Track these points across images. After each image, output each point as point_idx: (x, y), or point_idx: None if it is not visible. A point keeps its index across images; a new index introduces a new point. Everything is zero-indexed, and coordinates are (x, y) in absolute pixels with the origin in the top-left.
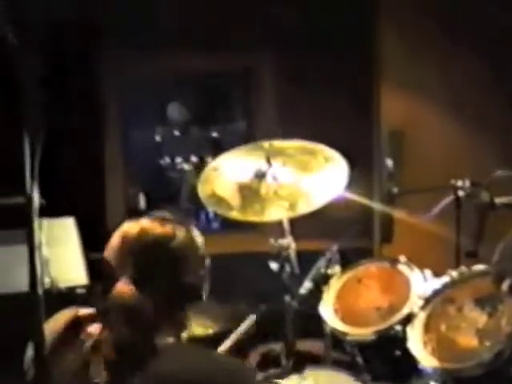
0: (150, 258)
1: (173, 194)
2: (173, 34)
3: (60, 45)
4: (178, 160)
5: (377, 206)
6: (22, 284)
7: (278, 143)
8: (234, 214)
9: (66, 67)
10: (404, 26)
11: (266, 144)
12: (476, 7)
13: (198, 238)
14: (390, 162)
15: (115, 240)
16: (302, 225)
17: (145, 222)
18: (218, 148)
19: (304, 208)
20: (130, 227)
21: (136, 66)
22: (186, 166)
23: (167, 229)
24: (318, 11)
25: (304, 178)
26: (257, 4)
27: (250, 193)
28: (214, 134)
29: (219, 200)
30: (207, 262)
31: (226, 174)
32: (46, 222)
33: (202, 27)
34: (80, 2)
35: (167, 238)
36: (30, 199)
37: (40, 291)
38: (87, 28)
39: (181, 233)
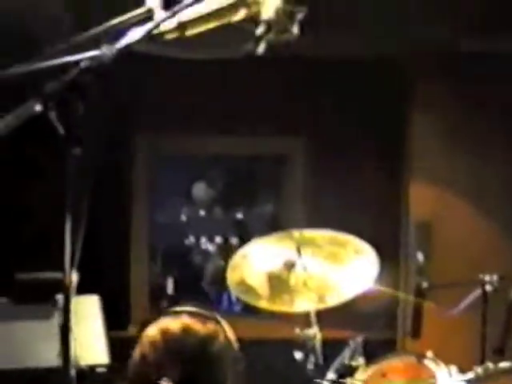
0: (196, 361)
1: (196, 275)
2: (205, 117)
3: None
4: (203, 240)
5: (403, 298)
6: (50, 359)
7: (308, 233)
8: (263, 304)
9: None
10: (437, 121)
11: (296, 233)
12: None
13: (233, 336)
14: (420, 256)
15: (155, 335)
16: (327, 314)
17: (186, 319)
18: (242, 230)
19: (333, 300)
20: (171, 324)
21: (166, 146)
22: (211, 247)
23: (209, 328)
24: (350, 101)
25: (333, 269)
26: (290, 91)
27: (279, 282)
28: (239, 216)
29: (248, 288)
30: (242, 361)
31: (256, 261)
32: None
33: (233, 112)
34: (115, 83)
35: (211, 339)
36: (69, 277)
37: (72, 369)
38: (121, 107)
39: (221, 333)
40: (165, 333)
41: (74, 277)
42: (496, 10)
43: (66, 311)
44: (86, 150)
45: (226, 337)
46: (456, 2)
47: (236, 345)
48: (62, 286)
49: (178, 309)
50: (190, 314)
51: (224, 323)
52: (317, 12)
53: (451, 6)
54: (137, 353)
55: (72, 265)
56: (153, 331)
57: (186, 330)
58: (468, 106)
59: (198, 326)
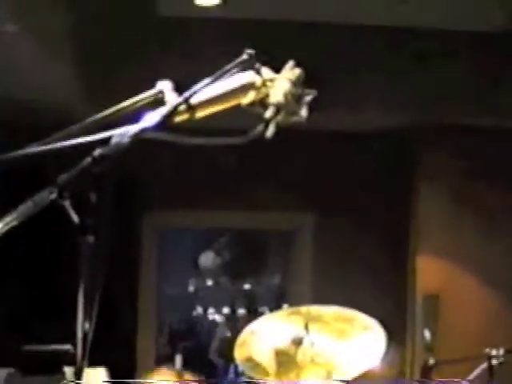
0: None
1: (204, 346)
2: (213, 191)
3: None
4: (210, 311)
5: (409, 374)
6: None
7: (316, 309)
8: (270, 380)
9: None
10: (443, 194)
11: (303, 309)
12: None
13: None
14: (427, 333)
15: None
16: None
17: None
18: (250, 301)
19: (341, 377)
20: None
21: (173, 219)
22: (218, 318)
23: None
24: (358, 177)
25: (341, 345)
26: (299, 167)
27: (286, 358)
28: (247, 286)
29: (256, 365)
30: None
31: (264, 338)
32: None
33: (242, 187)
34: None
35: None
36: (80, 368)
37: None
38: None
39: None
40: None
41: (85, 365)
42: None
43: None
44: (100, 237)
45: None
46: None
47: None
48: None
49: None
50: None
51: None
52: (325, 87)
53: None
54: None
55: (84, 353)
56: None
57: None
58: (474, 179)
59: None
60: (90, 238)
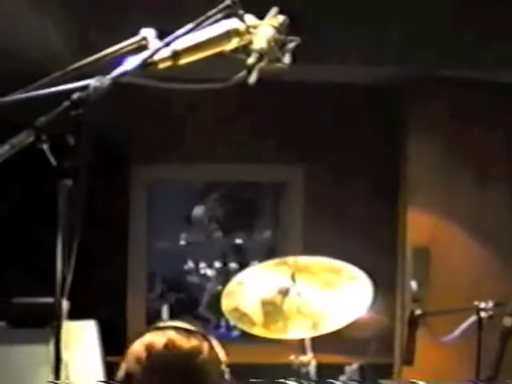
0: (179, 376)
1: (195, 300)
2: (204, 144)
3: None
4: (202, 265)
5: (399, 324)
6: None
7: (303, 260)
8: (257, 330)
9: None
10: (434, 147)
11: (291, 260)
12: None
13: (220, 351)
14: (414, 284)
15: (139, 349)
16: (322, 339)
17: (171, 334)
18: (241, 255)
19: (327, 327)
20: (156, 339)
21: (164, 172)
22: (209, 272)
23: (194, 343)
24: (349, 129)
25: (328, 296)
26: (289, 118)
27: (273, 309)
28: (238, 241)
29: (242, 315)
30: (228, 376)
31: (251, 288)
32: (66, 323)
33: (232, 139)
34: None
35: (195, 354)
36: (59, 301)
37: None
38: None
39: (206, 347)
40: (149, 348)
41: (65, 304)
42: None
43: (58, 337)
44: (79, 180)
45: (211, 352)
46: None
47: (223, 361)
48: (52, 313)
49: (163, 324)
50: (176, 329)
51: (212, 339)
52: (314, 38)
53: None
54: (122, 369)
55: (62, 292)
56: (137, 347)
57: (170, 345)
58: (464, 133)
59: (182, 341)
60: (68, 182)
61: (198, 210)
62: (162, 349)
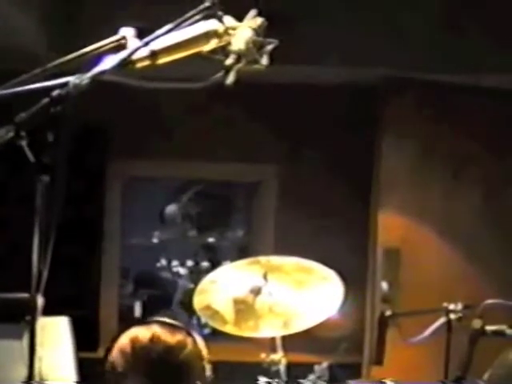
0: (162, 369)
1: (167, 297)
2: (178, 142)
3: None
4: (174, 263)
5: (369, 324)
6: (18, 379)
7: (276, 259)
8: (228, 328)
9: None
10: (406, 148)
11: (263, 259)
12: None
13: (203, 348)
14: (384, 285)
15: (124, 343)
16: (293, 338)
17: (156, 329)
18: (213, 254)
19: (298, 326)
20: (141, 333)
21: (138, 170)
22: (182, 270)
23: (178, 338)
24: (322, 128)
25: (299, 295)
26: (262, 118)
27: (244, 307)
28: (211, 240)
29: (214, 313)
30: (209, 372)
31: (223, 287)
32: (40, 319)
33: (207, 138)
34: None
35: (178, 349)
36: (34, 296)
37: None
38: (93, 131)
39: (190, 343)
40: (134, 341)
41: (40, 300)
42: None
43: (32, 334)
44: (56, 177)
45: (194, 347)
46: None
47: (206, 356)
48: (27, 308)
49: (149, 319)
50: (161, 323)
51: (196, 335)
52: (288, 38)
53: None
54: (108, 361)
55: (38, 288)
56: (123, 340)
57: (154, 339)
58: (437, 133)
59: (166, 336)
60: (46, 177)
61: (172, 208)
62: (146, 343)
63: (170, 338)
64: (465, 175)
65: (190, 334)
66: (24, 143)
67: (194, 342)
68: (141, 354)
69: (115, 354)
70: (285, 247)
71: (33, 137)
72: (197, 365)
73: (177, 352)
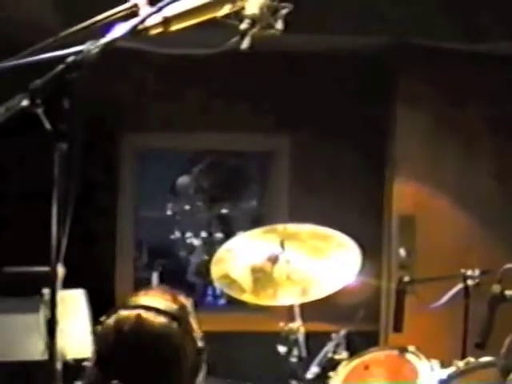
0: (146, 353)
1: (182, 268)
2: (191, 112)
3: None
4: (188, 235)
5: (386, 292)
6: (36, 352)
7: (292, 227)
8: (246, 297)
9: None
10: (420, 116)
11: (280, 227)
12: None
13: (194, 325)
14: (402, 251)
15: (108, 328)
16: (310, 307)
17: (141, 312)
18: (227, 225)
19: (316, 294)
20: (125, 317)
21: (151, 141)
22: (196, 242)
23: (161, 322)
24: (336, 98)
25: (316, 263)
26: (276, 88)
27: (262, 276)
28: (224, 211)
29: (232, 282)
30: (204, 356)
31: (240, 255)
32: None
33: (219, 108)
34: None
35: (162, 335)
36: (55, 266)
37: (58, 363)
38: (106, 104)
39: (175, 326)
40: (118, 326)
41: (60, 270)
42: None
43: (53, 305)
44: (73, 146)
45: (183, 330)
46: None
47: (198, 336)
48: (48, 280)
49: (134, 303)
50: (146, 308)
51: (190, 316)
52: (301, 6)
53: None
54: (93, 350)
55: (58, 258)
56: (108, 325)
57: (139, 323)
58: (452, 102)
59: (150, 320)
60: (63, 146)
61: (184, 180)
62: (131, 327)
63: (154, 323)
64: (478, 144)
65: (177, 314)
66: (40, 111)
67: (181, 322)
68: (125, 339)
69: (99, 341)
70: (299, 217)
71: (48, 105)
72: (185, 346)
73: (160, 339)
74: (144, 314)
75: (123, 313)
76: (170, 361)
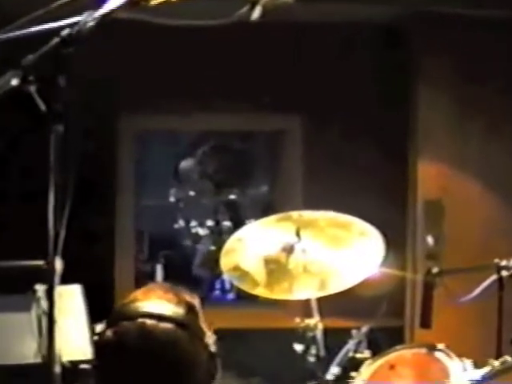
0: (154, 363)
1: (186, 261)
2: (194, 91)
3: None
4: (193, 224)
5: (411, 284)
6: (27, 355)
7: (309, 214)
8: (260, 291)
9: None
10: (444, 95)
11: (295, 214)
12: None
13: (204, 328)
14: (430, 239)
15: (110, 339)
16: (329, 301)
17: (144, 321)
18: (235, 213)
19: (335, 287)
20: (127, 328)
21: (152, 123)
22: (201, 231)
23: (168, 330)
24: (353, 74)
25: (336, 253)
26: (287, 63)
27: (277, 268)
28: (231, 197)
29: (243, 274)
30: (218, 361)
31: (251, 245)
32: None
33: (226, 86)
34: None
35: (169, 344)
36: (52, 260)
37: (57, 366)
38: (103, 82)
39: (183, 332)
40: (121, 338)
41: (58, 263)
42: None
43: (50, 302)
44: (70, 128)
45: (194, 338)
46: None
47: (210, 340)
48: (43, 274)
49: (134, 310)
50: (149, 316)
51: (198, 317)
52: None
53: None
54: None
55: (56, 250)
56: (108, 337)
57: (142, 336)
58: (476, 79)
59: (157, 330)
60: (60, 127)
61: (187, 164)
62: (134, 340)
63: (159, 331)
64: (504, 120)
65: (182, 324)
66: (33, 89)
67: (188, 328)
68: (130, 350)
69: (101, 353)
70: (315, 203)
71: (42, 83)
72: (196, 353)
73: (169, 351)
74: (148, 322)
75: (124, 323)
76: (181, 372)
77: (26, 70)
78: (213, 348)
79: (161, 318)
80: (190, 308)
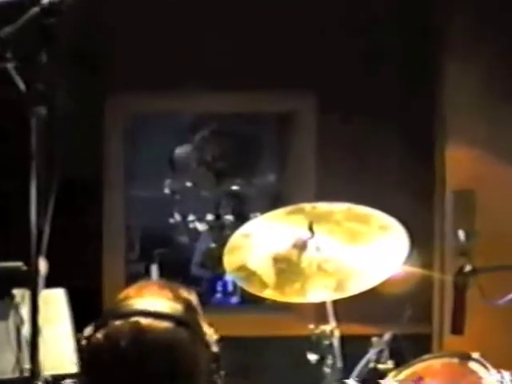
0: (151, 364)
1: (183, 261)
2: (192, 68)
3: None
4: (191, 218)
5: (440, 285)
6: (4, 369)
7: (323, 207)
8: (268, 293)
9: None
10: (474, 72)
11: (307, 207)
12: None
13: (205, 326)
14: (461, 234)
15: (101, 341)
16: (346, 305)
17: (139, 320)
18: (239, 205)
19: (354, 288)
20: (119, 328)
21: (145, 104)
22: (200, 226)
23: (165, 329)
24: (371, 49)
25: (354, 250)
26: (296, 36)
27: (287, 267)
28: (234, 188)
29: (250, 275)
30: (221, 363)
31: (259, 242)
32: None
33: (227, 62)
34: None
35: (168, 345)
36: (36, 261)
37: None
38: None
39: (182, 331)
40: (113, 339)
41: (43, 265)
42: None
43: (34, 308)
44: (54, 107)
45: (194, 337)
46: None
47: (211, 340)
48: (22, 277)
49: (126, 308)
50: (144, 314)
51: (199, 316)
52: None
53: None
54: (81, 364)
55: (39, 250)
56: (99, 338)
57: (137, 333)
58: (509, 59)
59: (152, 326)
60: (42, 109)
61: (183, 151)
62: (128, 341)
63: (157, 327)
64: None
65: (181, 322)
66: (11, 66)
67: (188, 326)
68: (123, 352)
69: (91, 355)
70: (329, 194)
71: (22, 59)
72: (197, 354)
73: (167, 353)
74: (142, 321)
75: (115, 323)
76: (180, 375)
77: (3, 43)
78: (215, 348)
79: (157, 315)
80: (188, 304)
